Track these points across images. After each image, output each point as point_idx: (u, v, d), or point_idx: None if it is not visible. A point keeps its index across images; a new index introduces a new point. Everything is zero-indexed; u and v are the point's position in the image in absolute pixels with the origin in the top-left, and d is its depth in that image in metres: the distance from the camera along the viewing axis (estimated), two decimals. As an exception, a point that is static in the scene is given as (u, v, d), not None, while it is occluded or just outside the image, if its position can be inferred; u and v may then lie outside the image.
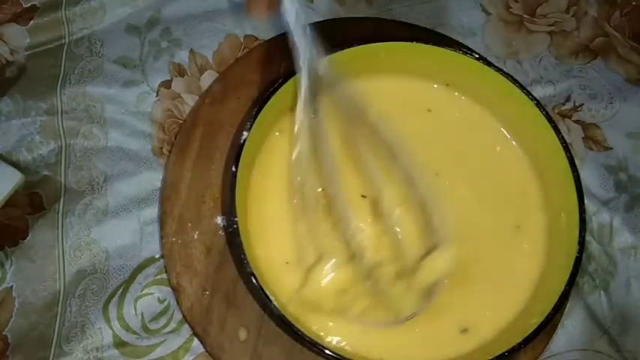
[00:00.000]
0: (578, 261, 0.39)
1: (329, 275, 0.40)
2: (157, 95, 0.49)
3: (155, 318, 0.43)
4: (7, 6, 0.51)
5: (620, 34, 0.53)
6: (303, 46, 0.38)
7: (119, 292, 0.44)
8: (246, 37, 0.51)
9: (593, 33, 0.53)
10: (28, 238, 0.45)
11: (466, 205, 0.44)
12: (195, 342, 0.43)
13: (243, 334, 0.42)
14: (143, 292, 0.44)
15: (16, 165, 0.44)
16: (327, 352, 0.36)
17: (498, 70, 0.43)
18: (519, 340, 0.37)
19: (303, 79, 0.39)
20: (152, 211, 0.46)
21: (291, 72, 0.41)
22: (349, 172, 0.42)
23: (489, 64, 0.44)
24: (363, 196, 0.42)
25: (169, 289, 0.43)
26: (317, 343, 0.36)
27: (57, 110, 0.48)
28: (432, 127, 0.46)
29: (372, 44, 0.43)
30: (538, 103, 0.43)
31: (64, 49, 0.50)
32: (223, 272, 0.43)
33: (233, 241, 0.42)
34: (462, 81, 0.46)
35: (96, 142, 0.48)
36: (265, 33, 0.51)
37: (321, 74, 0.40)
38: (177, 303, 0.42)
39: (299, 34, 0.38)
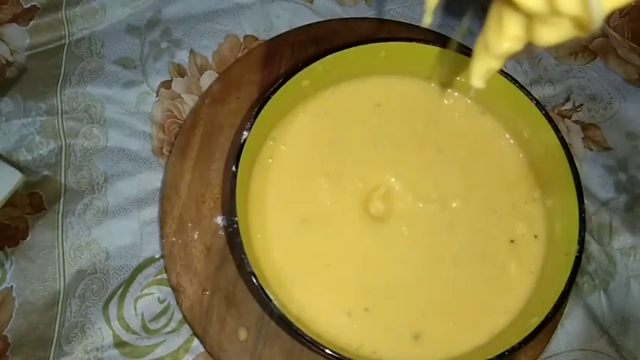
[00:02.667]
0: (577, 261, 0.39)
1: None
2: (157, 95, 0.49)
3: (155, 318, 0.43)
4: (7, 6, 0.51)
5: (619, 34, 0.53)
6: None
7: (119, 292, 0.44)
8: (246, 37, 0.51)
9: (592, 33, 0.53)
10: (28, 238, 0.45)
11: (464, 202, 0.44)
12: (195, 342, 0.43)
13: (243, 334, 0.42)
14: (143, 292, 0.44)
15: (16, 165, 0.44)
16: (327, 351, 0.36)
17: (498, 70, 0.43)
18: (519, 340, 0.37)
19: None
20: (152, 211, 0.46)
21: (291, 72, 0.41)
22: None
23: (489, 64, 0.44)
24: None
25: (169, 289, 0.43)
26: (317, 342, 0.36)
27: (57, 110, 0.48)
28: (430, 127, 0.46)
29: (373, 44, 0.43)
30: (538, 103, 0.43)
31: (65, 50, 0.50)
32: (223, 272, 0.43)
33: (233, 241, 0.42)
34: (461, 81, 0.46)
35: (96, 142, 0.48)
36: (265, 33, 0.51)
37: None
38: (177, 303, 0.43)
39: None
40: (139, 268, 0.44)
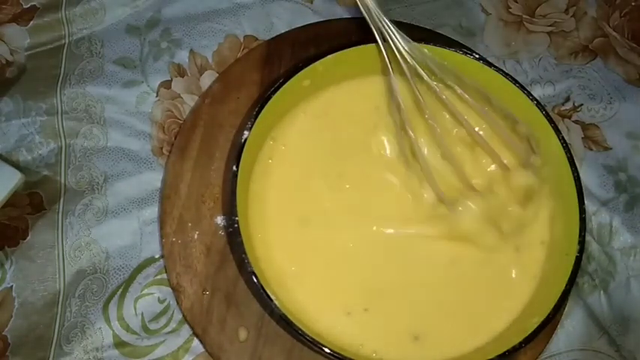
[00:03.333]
0: (578, 261, 0.39)
1: None
2: (157, 95, 0.49)
3: (155, 318, 0.43)
4: (7, 6, 0.51)
5: (619, 34, 0.53)
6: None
7: (119, 292, 0.44)
8: (245, 37, 0.51)
9: (592, 33, 0.53)
10: (28, 238, 0.45)
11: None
12: (195, 342, 0.43)
13: (243, 334, 0.42)
14: (143, 292, 0.44)
15: (16, 165, 0.44)
16: (327, 351, 0.36)
17: (498, 70, 0.43)
18: (519, 340, 0.37)
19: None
20: (152, 211, 0.46)
21: (291, 72, 0.41)
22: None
23: (489, 64, 0.44)
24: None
25: (169, 289, 0.43)
26: (317, 342, 0.36)
27: (57, 110, 0.48)
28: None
29: (373, 44, 0.43)
30: (538, 103, 0.43)
31: (64, 50, 0.50)
32: (223, 272, 0.43)
33: (233, 241, 0.42)
34: (461, 81, 0.46)
35: (96, 142, 0.48)
36: (265, 33, 0.51)
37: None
38: (177, 303, 0.43)
39: None
40: (139, 268, 0.44)
